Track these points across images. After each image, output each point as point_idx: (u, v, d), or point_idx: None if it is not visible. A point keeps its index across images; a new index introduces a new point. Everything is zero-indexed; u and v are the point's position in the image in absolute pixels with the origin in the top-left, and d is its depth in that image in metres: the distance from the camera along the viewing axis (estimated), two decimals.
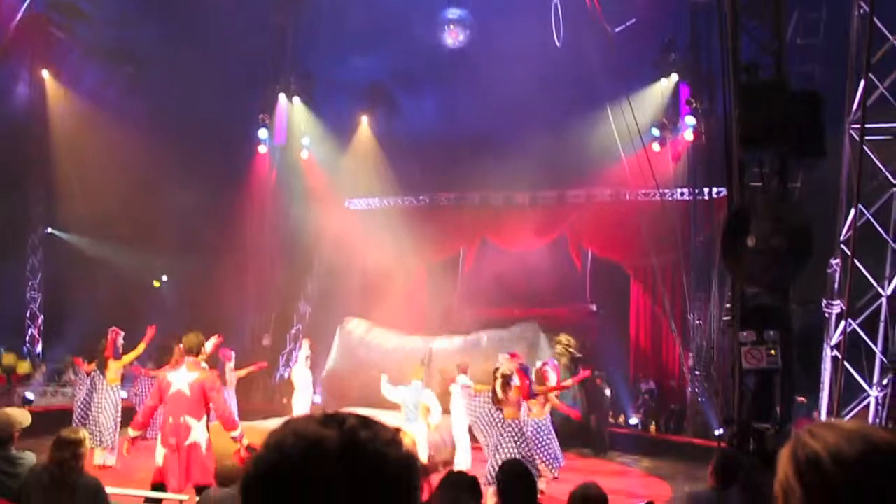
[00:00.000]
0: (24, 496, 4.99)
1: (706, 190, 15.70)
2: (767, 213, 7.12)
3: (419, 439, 10.60)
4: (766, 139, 7.36)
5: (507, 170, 17.10)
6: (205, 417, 7.21)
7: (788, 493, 1.12)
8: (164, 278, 21.95)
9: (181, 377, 7.16)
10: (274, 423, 11.27)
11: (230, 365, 13.26)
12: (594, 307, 18.25)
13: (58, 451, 4.97)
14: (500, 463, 9.46)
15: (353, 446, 0.97)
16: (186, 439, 7.03)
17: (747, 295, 7.50)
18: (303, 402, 13.88)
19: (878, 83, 8.94)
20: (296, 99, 19.98)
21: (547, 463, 10.82)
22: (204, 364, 7.52)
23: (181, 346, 12.24)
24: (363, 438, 0.98)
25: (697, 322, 16.02)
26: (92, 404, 11.13)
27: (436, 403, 11.70)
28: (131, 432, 7.37)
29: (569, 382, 12.05)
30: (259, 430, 10.43)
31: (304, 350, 13.92)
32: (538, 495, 4.67)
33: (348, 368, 15.86)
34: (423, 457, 10.52)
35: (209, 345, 7.61)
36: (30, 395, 16.01)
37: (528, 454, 9.47)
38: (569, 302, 18.38)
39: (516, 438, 9.65)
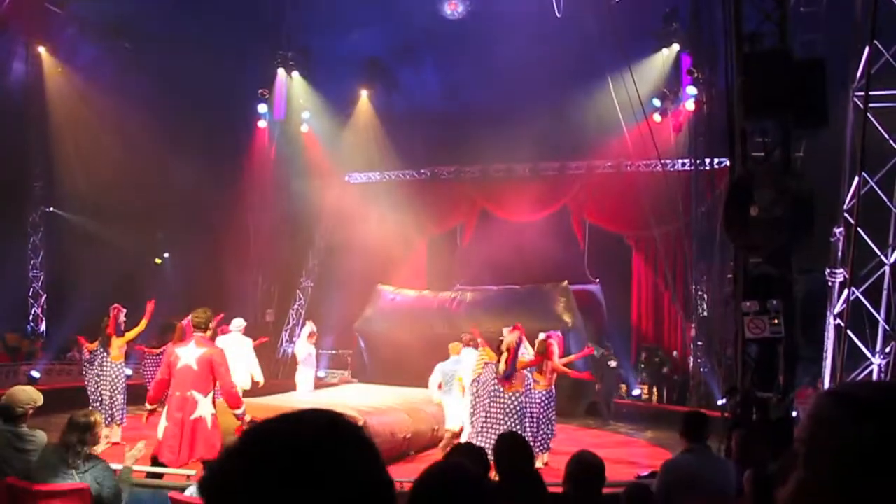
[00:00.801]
0: (35, 473, 5.05)
1: (707, 160, 15.61)
2: (770, 182, 7.08)
3: (451, 411, 10.76)
4: (768, 108, 7.31)
5: (507, 142, 17.08)
6: (211, 393, 7.24)
7: (812, 447, 1.01)
8: (166, 255, 21.96)
9: (189, 352, 7.18)
10: (277, 399, 11.37)
11: None
12: (597, 283, 18.20)
13: (68, 432, 5.05)
14: (493, 437, 9.59)
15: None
16: (192, 413, 7.05)
17: (750, 264, 7.48)
18: (305, 377, 13.93)
19: (882, 50, 8.89)
20: (295, 73, 19.87)
21: (541, 439, 10.78)
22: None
23: (184, 322, 12.34)
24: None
25: (700, 293, 16.03)
26: (99, 382, 11.18)
27: (468, 375, 11.86)
28: (148, 406, 7.43)
29: (571, 358, 12.07)
30: (262, 406, 10.49)
31: (308, 327, 13.91)
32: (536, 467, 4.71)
33: (383, 328, 16.53)
34: (455, 427, 10.61)
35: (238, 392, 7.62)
36: (35, 374, 16.07)
37: (521, 431, 9.53)
38: (571, 278, 18.35)
39: (510, 414, 9.71)
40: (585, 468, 3.92)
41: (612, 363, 15.45)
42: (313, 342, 13.81)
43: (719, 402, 12.66)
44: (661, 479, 5.17)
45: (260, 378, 11.57)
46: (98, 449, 5.34)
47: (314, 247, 20.42)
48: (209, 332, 7.47)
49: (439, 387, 11.07)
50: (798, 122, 7.37)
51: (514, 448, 4.45)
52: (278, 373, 18.58)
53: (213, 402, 7.31)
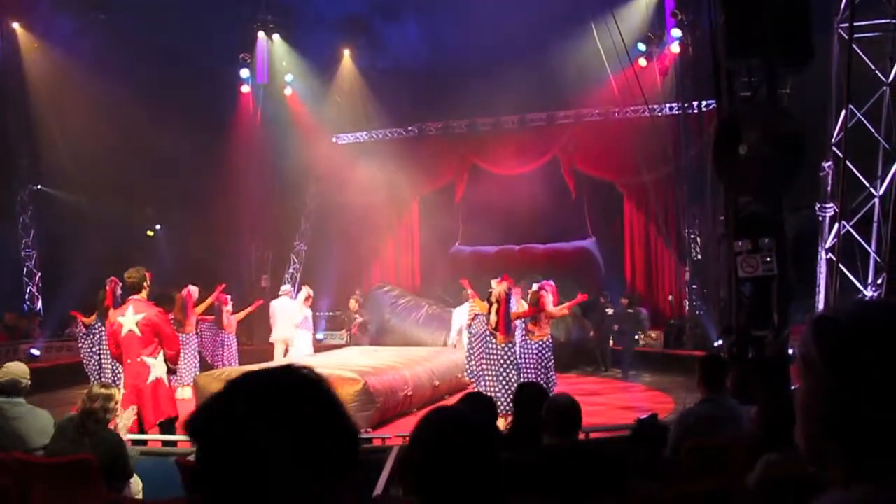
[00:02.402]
0: (51, 444, 5.12)
1: (695, 103, 15.55)
2: (757, 120, 7.06)
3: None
4: (752, 47, 7.24)
5: (493, 95, 16.94)
6: (161, 352, 7.27)
7: (808, 363, 1.13)
8: (158, 227, 21.89)
9: (129, 318, 7.17)
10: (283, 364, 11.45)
11: (227, 309, 13.35)
12: (592, 239, 18.19)
13: (87, 402, 5.14)
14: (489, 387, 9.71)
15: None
16: (147, 378, 7.11)
17: (740, 204, 7.48)
18: (303, 340, 14.07)
19: None
20: (275, 36, 19.62)
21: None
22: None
23: (183, 293, 12.39)
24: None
25: (692, 236, 16.07)
26: (101, 356, 11.23)
27: (456, 322, 12.20)
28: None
29: (566, 305, 12.12)
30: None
31: (304, 292, 13.97)
32: None
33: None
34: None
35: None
36: (35, 352, 16.11)
37: (513, 381, 9.63)
38: (568, 237, 18.32)
39: (504, 365, 9.80)
40: (561, 410, 3.90)
41: (609, 311, 15.53)
42: (309, 305, 13.88)
43: (716, 344, 12.80)
44: (677, 428, 5.17)
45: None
46: (120, 424, 5.42)
47: (306, 210, 20.37)
48: (143, 293, 7.33)
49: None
50: (783, 59, 7.31)
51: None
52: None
53: (166, 360, 7.35)
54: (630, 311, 15.42)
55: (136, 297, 7.29)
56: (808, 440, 1.16)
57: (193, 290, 12.67)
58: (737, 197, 7.45)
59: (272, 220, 19.95)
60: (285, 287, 15.04)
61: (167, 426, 7.07)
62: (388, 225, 19.42)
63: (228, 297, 13.31)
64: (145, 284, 7.36)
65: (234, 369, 11.54)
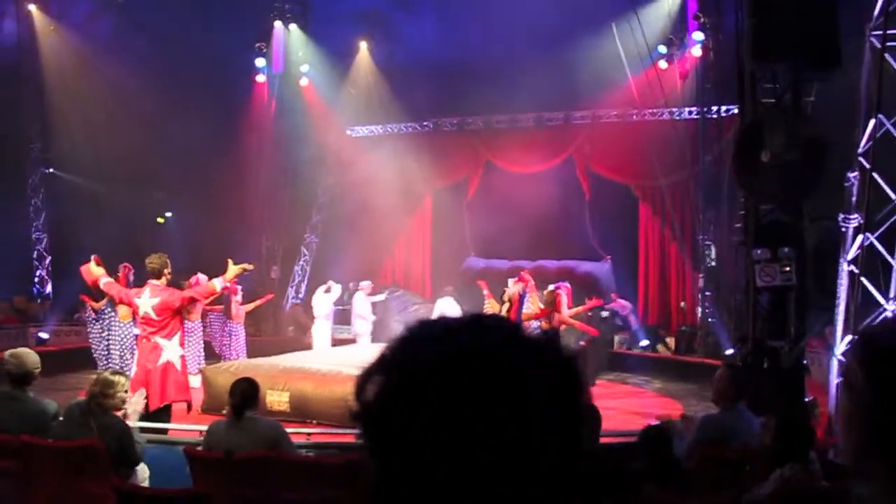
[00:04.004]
0: (60, 427, 5.13)
1: (715, 108, 15.47)
2: (781, 127, 6.99)
3: None
4: (779, 51, 7.19)
5: (510, 92, 16.90)
6: (177, 335, 7.29)
7: (851, 381, 1.17)
8: (168, 214, 21.93)
9: (145, 301, 7.19)
10: (295, 358, 11.44)
11: (237, 298, 13.34)
12: (608, 260, 18.08)
13: (93, 387, 5.18)
14: None
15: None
16: (158, 360, 7.12)
17: (761, 212, 7.43)
18: (323, 334, 14.27)
19: None
20: (292, 26, 19.62)
21: None
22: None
23: (191, 280, 12.39)
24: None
25: (707, 242, 15.99)
26: (109, 342, 11.26)
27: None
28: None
29: (580, 310, 12.11)
30: (280, 367, 10.56)
31: (336, 290, 14.91)
32: None
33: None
34: None
35: (218, 283, 7.58)
36: (44, 335, 16.16)
37: None
38: (582, 253, 18.19)
39: None
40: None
41: (604, 313, 15.48)
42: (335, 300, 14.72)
43: (728, 352, 12.73)
44: (696, 434, 5.19)
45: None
46: (130, 409, 5.43)
47: (317, 201, 20.38)
48: (163, 280, 7.33)
49: None
50: (810, 66, 7.24)
51: None
52: (285, 329, 18.72)
53: (182, 343, 7.40)
54: (604, 313, 15.38)
55: (155, 282, 7.29)
56: (853, 456, 1.19)
57: (202, 278, 12.62)
58: (757, 204, 7.40)
59: (283, 210, 19.95)
60: (364, 283, 15.42)
61: (160, 413, 7.02)
62: (401, 220, 19.38)
63: (238, 286, 13.30)
64: (166, 272, 7.36)
65: (242, 362, 11.55)
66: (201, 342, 12.61)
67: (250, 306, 13.79)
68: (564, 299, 11.56)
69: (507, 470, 0.77)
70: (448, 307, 14.62)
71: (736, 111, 14.86)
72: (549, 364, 0.83)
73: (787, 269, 7.15)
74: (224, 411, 5.35)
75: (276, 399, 9.64)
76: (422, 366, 0.82)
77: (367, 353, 12.62)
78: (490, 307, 10.81)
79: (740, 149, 7.18)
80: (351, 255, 18.57)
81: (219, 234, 17.66)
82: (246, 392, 5.16)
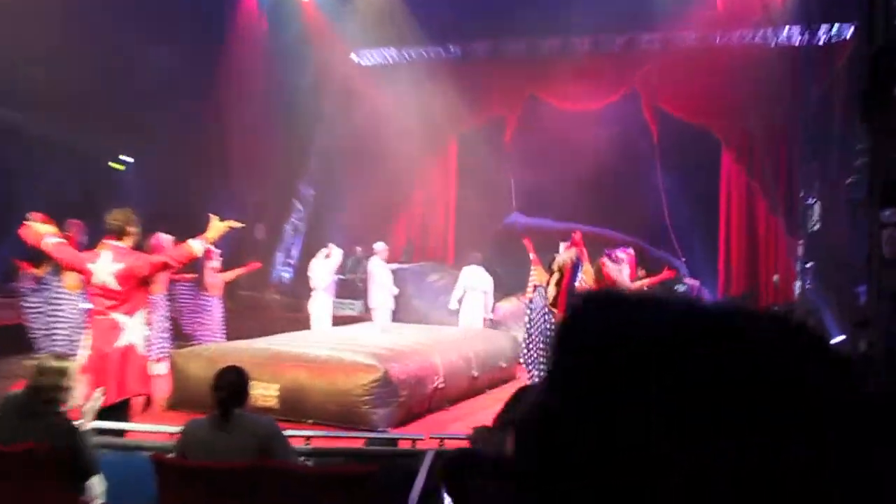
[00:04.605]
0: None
1: (824, 28, 15.22)
2: None
3: None
4: None
5: (560, 10, 16.66)
6: (141, 312, 7.21)
7: None
8: (129, 159, 21.83)
9: (103, 267, 7.05)
10: (288, 340, 11.35)
11: (213, 265, 13.20)
12: (682, 261, 17.85)
13: (36, 378, 5.09)
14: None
15: None
16: (116, 340, 7.03)
17: (891, 162, 7.20)
18: (323, 308, 14.26)
19: None
20: None
21: None
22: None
23: (152, 241, 12.28)
24: None
25: (810, 200, 15.77)
26: (51, 318, 11.17)
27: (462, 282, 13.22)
28: None
29: (645, 282, 11.98)
30: (271, 351, 10.48)
31: (336, 255, 14.92)
32: None
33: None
34: None
35: (197, 245, 7.44)
36: None
37: None
38: (646, 219, 18.00)
39: None
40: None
41: (681, 287, 15.35)
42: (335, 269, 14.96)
43: (836, 340, 12.53)
44: None
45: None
46: (86, 407, 5.36)
47: (315, 145, 20.24)
48: (128, 241, 7.23)
49: None
50: None
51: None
52: (270, 305, 18.69)
53: (148, 322, 7.39)
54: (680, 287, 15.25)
55: (115, 242, 7.16)
56: None
57: (165, 239, 12.37)
58: (888, 151, 7.17)
59: (272, 156, 19.78)
60: (380, 246, 15.32)
61: (116, 410, 6.92)
62: (419, 168, 19.21)
63: (217, 250, 13.16)
64: (132, 230, 7.25)
65: (220, 346, 11.46)
66: (167, 320, 12.55)
67: (230, 275, 13.69)
68: (625, 270, 11.37)
69: None
70: (476, 278, 14.64)
71: (849, 35, 14.63)
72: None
73: None
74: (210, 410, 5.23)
75: (262, 393, 9.52)
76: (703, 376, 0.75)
77: (382, 333, 12.54)
78: (536, 277, 10.68)
79: (870, 78, 6.92)
80: (356, 211, 18.47)
81: (190, 185, 17.56)
82: (235, 384, 5.09)
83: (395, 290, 15.31)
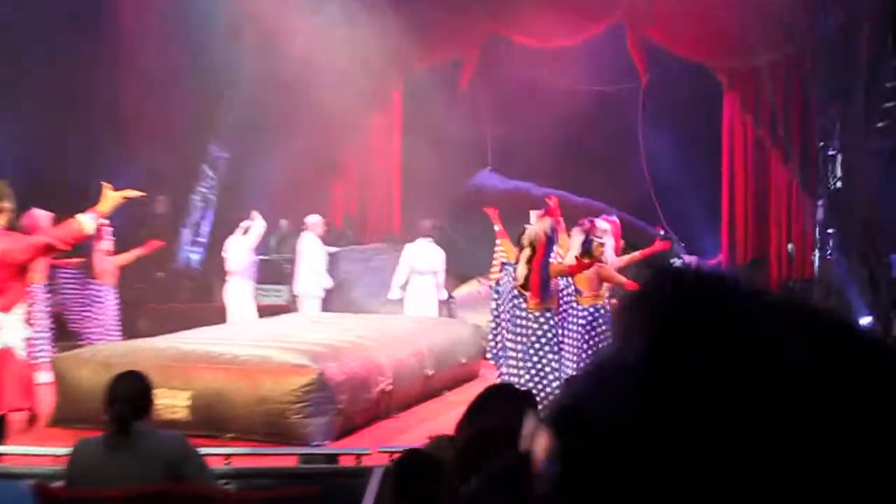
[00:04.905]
0: None
1: None
2: None
3: None
4: None
5: None
6: (20, 307, 7.17)
7: None
8: None
9: None
10: (186, 340, 11.29)
11: (104, 247, 13.11)
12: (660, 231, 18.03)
13: None
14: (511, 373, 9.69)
15: None
16: None
17: None
18: (243, 295, 14.50)
19: None
20: None
21: None
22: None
23: (23, 222, 12.15)
24: None
25: (830, 152, 15.92)
26: None
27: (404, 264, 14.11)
28: None
29: (636, 256, 12.06)
30: (180, 350, 10.42)
31: (259, 224, 14.99)
32: None
33: None
34: None
35: (88, 221, 7.37)
36: None
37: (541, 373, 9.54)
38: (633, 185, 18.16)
39: (533, 342, 9.67)
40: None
41: (675, 261, 15.51)
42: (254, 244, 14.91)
43: (863, 321, 12.70)
44: None
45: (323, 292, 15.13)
46: None
47: (230, 99, 20.08)
48: (3, 218, 7.20)
49: None
50: None
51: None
52: (176, 293, 18.57)
53: (29, 321, 7.37)
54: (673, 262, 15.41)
55: None
56: None
57: (42, 216, 12.25)
58: None
59: (174, 111, 19.61)
60: (313, 219, 15.28)
61: None
62: (357, 122, 19.17)
63: (108, 227, 13.05)
64: (6, 206, 7.23)
65: (114, 347, 11.35)
66: (47, 316, 12.44)
67: (125, 258, 13.62)
68: (610, 242, 11.48)
69: None
70: (424, 257, 14.60)
71: None
72: None
73: None
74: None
75: (169, 403, 9.46)
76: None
77: (316, 326, 12.51)
78: (503, 252, 10.69)
79: None
80: (280, 177, 18.39)
81: (73, 147, 17.38)
82: (135, 393, 5.04)
83: (330, 283, 15.31)
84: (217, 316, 14.40)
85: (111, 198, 7.47)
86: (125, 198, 7.61)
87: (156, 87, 19.13)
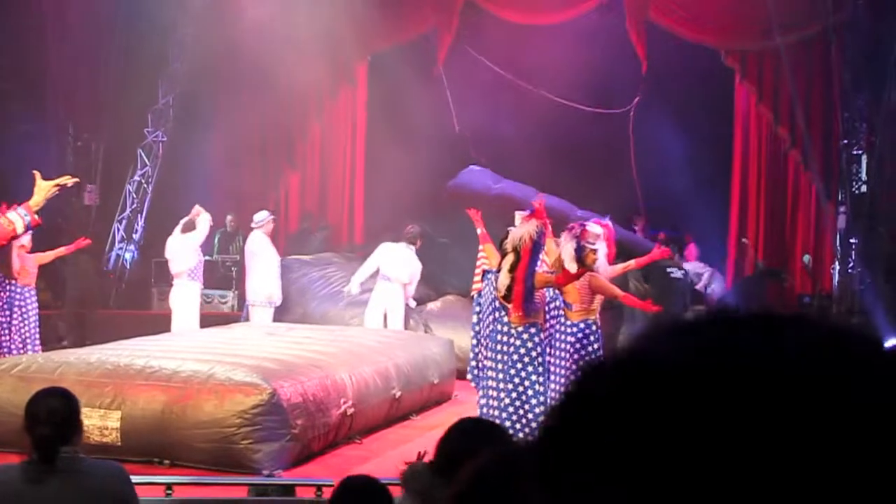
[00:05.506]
0: None
1: None
2: None
3: None
4: None
5: None
6: None
7: None
8: None
9: None
10: (118, 352, 11.23)
11: (22, 243, 13.03)
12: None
13: None
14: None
15: None
16: None
17: None
18: (189, 301, 14.45)
19: None
20: None
21: None
22: None
23: None
24: None
25: (856, 150, 15.99)
26: None
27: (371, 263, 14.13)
28: None
29: (631, 265, 12.12)
30: (117, 366, 10.36)
31: (204, 219, 14.86)
32: None
33: None
34: None
35: (19, 216, 7.37)
36: None
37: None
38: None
39: (519, 360, 9.67)
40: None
41: (676, 273, 15.59)
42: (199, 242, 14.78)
43: (890, 343, 12.75)
44: None
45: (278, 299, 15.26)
46: None
47: (167, 74, 20.03)
48: None
49: None
50: None
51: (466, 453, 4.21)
52: (110, 298, 18.50)
53: None
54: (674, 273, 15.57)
55: None
56: None
57: None
58: None
59: (106, 90, 19.54)
60: (261, 216, 15.33)
61: None
62: (315, 105, 19.16)
63: (24, 219, 13.02)
64: None
65: (36, 358, 11.25)
66: None
67: (48, 256, 13.65)
68: (603, 249, 11.51)
69: None
70: (396, 263, 14.56)
71: None
72: None
73: None
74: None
75: (98, 424, 9.42)
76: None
77: (268, 338, 12.46)
78: (486, 259, 10.70)
79: None
80: (226, 167, 18.36)
81: None
82: (60, 414, 4.90)
83: (279, 295, 15.26)
84: (153, 324, 14.34)
85: (43, 188, 7.45)
86: (57, 186, 7.59)
87: (84, 64, 19.07)
